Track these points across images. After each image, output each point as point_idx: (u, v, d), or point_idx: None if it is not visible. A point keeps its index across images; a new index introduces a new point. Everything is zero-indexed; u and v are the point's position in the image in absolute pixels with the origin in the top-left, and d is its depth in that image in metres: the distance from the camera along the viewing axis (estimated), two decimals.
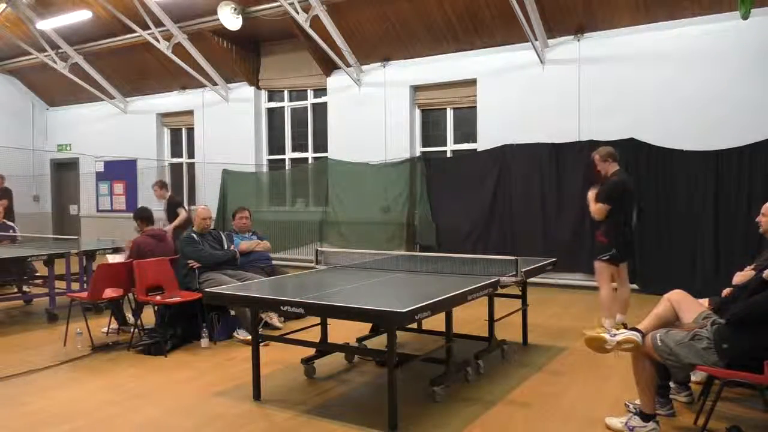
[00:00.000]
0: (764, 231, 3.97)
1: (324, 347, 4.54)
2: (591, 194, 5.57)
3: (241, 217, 6.85)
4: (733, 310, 3.17)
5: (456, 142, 9.74)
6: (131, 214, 6.81)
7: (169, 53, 10.86)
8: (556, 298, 7.43)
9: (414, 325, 5.12)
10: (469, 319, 5.66)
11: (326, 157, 10.64)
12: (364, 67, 10.18)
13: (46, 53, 12.09)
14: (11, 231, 8.47)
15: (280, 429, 3.59)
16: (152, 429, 3.63)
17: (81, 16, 10.64)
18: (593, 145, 8.07)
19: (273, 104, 11.66)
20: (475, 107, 9.24)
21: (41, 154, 14.57)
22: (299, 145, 11.48)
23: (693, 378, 3.96)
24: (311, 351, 4.57)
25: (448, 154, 9.73)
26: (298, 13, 9.09)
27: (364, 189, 9.99)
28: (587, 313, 6.48)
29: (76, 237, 8.30)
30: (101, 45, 11.66)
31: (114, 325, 6.00)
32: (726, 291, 3.80)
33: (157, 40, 10.66)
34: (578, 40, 8.33)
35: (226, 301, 4.85)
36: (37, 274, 7.89)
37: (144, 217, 6.33)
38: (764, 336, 3.00)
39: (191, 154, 12.56)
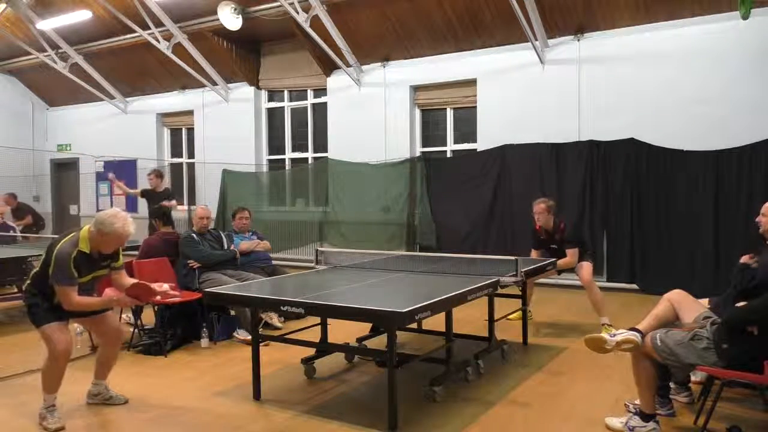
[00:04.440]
0: (764, 231, 3.97)
1: (324, 347, 4.55)
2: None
3: (241, 217, 6.84)
4: (730, 313, 3.17)
5: (456, 142, 9.74)
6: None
7: (169, 53, 10.86)
8: (556, 298, 7.43)
9: (414, 325, 5.11)
10: (469, 319, 5.66)
11: (326, 157, 10.64)
12: (364, 67, 10.18)
13: (46, 53, 12.08)
14: (11, 231, 8.47)
15: (280, 429, 3.59)
16: (152, 429, 3.63)
17: (81, 16, 10.64)
18: (593, 145, 8.11)
19: (273, 104, 11.65)
20: (475, 107, 9.24)
21: (41, 154, 14.56)
22: (299, 145, 11.47)
23: (693, 378, 3.96)
24: (311, 351, 4.57)
25: (448, 154, 9.73)
26: (298, 13, 9.09)
27: (364, 189, 9.98)
28: (587, 313, 6.46)
29: None
30: (101, 45, 11.66)
31: None
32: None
33: (157, 40, 10.65)
34: (578, 40, 8.33)
35: (226, 301, 4.85)
36: None
37: (159, 215, 6.30)
38: (764, 336, 3.00)
39: (191, 154, 12.55)
